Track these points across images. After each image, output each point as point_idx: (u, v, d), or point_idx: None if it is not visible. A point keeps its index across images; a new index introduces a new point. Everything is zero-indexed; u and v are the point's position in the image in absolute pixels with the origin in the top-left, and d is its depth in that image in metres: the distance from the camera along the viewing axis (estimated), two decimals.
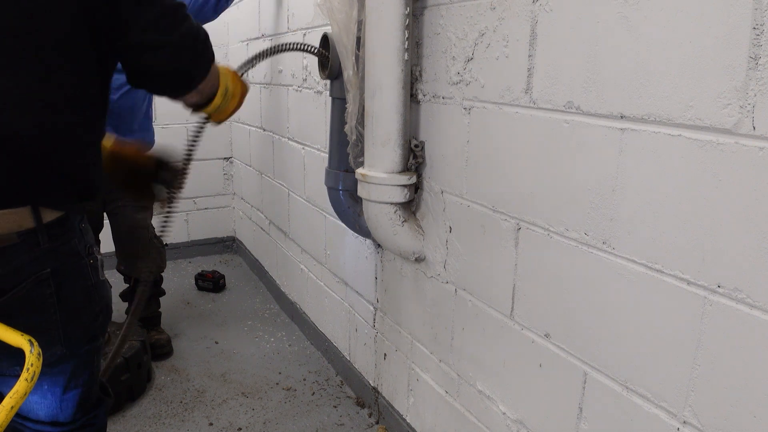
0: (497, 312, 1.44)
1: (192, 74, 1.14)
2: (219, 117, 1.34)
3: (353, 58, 1.68)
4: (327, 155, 2.01)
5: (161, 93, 1.21)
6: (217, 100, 1.26)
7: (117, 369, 2.19)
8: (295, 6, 2.56)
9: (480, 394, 1.55)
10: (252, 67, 1.82)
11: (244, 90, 1.37)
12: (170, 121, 3.58)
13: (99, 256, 1.15)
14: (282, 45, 1.91)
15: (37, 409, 1.16)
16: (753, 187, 0.86)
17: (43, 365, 0.97)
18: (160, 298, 2.82)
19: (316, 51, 1.94)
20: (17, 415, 1.13)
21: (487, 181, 1.42)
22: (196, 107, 1.27)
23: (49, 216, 1.01)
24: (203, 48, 1.13)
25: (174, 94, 1.19)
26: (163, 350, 2.64)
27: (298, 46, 1.91)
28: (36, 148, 0.97)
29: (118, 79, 2.50)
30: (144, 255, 2.56)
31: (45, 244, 1.01)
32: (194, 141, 1.56)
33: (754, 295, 0.88)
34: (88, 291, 1.11)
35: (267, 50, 1.88)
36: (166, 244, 2.82)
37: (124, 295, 2.75)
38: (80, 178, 1.06)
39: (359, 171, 1.68)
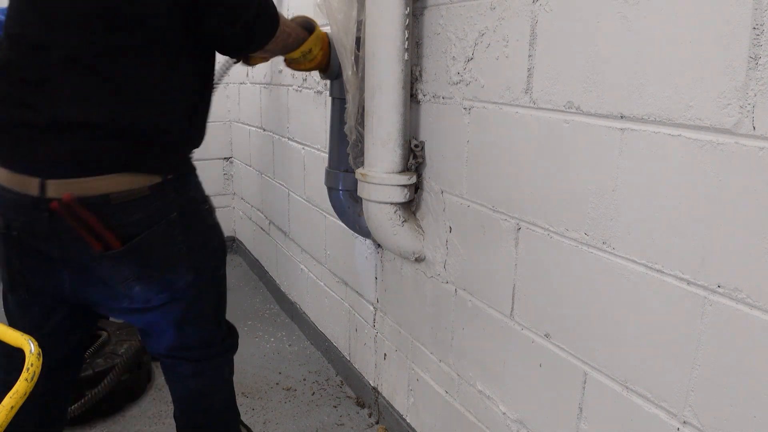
0: (497, 312, 1.44)
1: (257, 42, 1.35)
2: (294, 67, 1.70)
3: (353, 58, 1.68)
4: (327, 155, 2.01)
5: (229, 54, 1.44)
6: (295, 54, 1.60)
7: (117, 369, 2.19)
8: (295, 6, 2.56)
9: (480, 394, 1.55)
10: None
11: (325, 55, 1.70)
12: None
13: (212, 204, 1.41)
14: None
15: (190, 333, 1.39)
16: (753, 187, 0.86)
17: (180, 291, 1.31)
18: None
19: None
20: (171, 355, 1.42)
21: (487, 181, 1.42)
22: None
23: (171, 173, 1.25)
24: (268, 18, 1.33)
25: (241, 53, 1.47)
26: None
27: None
28: (156, 135, 1.21)
29: None
30: None
31: (171, 194, 1.25)
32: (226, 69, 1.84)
33: (754, 295, 0.88)
34: (207, 229, 1.37)
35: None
36: None
37: None
38: (186, 148, 1.32)
39: (359, 171, 1.68)
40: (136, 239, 1.21)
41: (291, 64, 1.67)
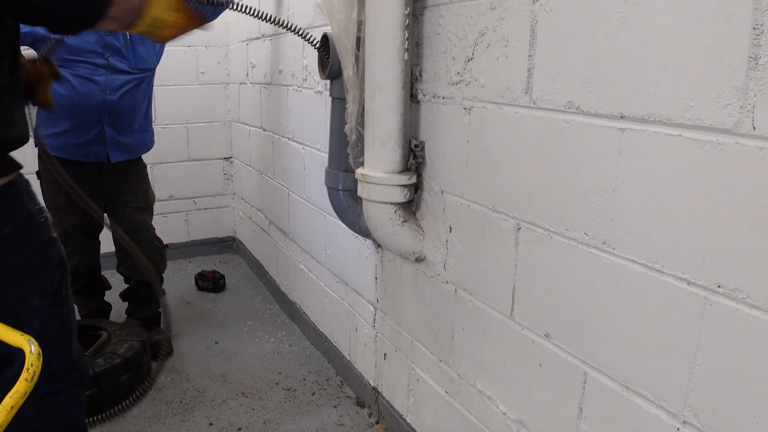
0: (497, 312, 1.44)
1: (94, 7, 1.04)
2: (156, 39, 1.23)
3: (353, 58, 1.68)
4: (327, 155, 2.01)
5: (66, 31, 1.17)
6: (140, 28, 1.16)
7: (117, 369, 2.19)
8: (295, 6, 2.56)
9: (480, 394, 1.55)
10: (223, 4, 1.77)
11: (186, 21, 1.24)
12: (170, 121, 3.58)
13: (48, 215, 1.22)
14: (282, 21, 1.92)
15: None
16: (753, 187, 0.86)
17: (25, 319, 1.09)
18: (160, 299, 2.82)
19: (314, 43, 1.94)
20: None
21: (487, 181, 1.42)
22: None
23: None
24: None
25: (81, 28, 1.10)
26: (163, 350, 2.62)
27: (297, 30, 1.92)
28: None
29: (118, 79, 2.48)
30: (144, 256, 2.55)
31: (1, 204, 1.07)
32: None
33: (754, 295, 0.88)
34: (47, 245, 1.19)
35: (263, 13, 1.90)
36: (167, 245, 2.81)
37: (124, 295, 2.75)
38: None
39: (359, 171, 1.68)
40: None
41: (151, 35, 1.22)
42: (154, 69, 2.53)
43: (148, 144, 2.62)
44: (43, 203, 1.24)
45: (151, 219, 2.66)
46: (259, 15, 1.89)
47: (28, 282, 1.13)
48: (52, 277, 1.21)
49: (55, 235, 1.22)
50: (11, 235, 1.08)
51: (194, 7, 1.34)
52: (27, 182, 1.17)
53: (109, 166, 2.46)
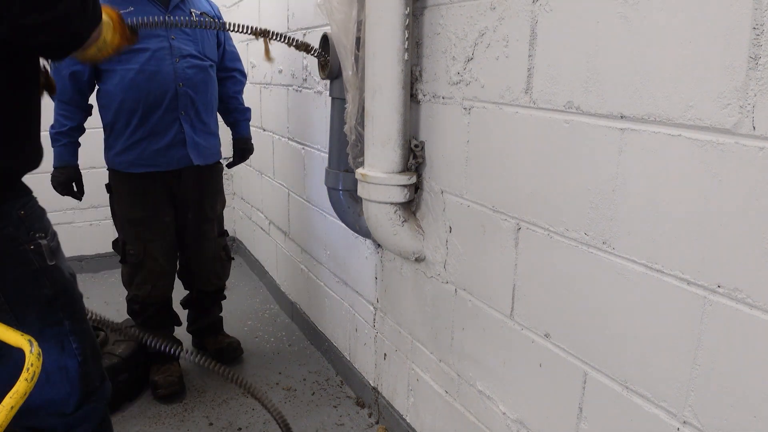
0: (497, 312, 1.44)
1: (82, 37, 1.09)
2: (92, 60, 1.26)
3: (353, 58, 1.68)
4: (327, 155, 2.01)
5: (50, 57, 1.17)
6: (91, 51, 1.20)
7: (115, 369, 2.19)
8: (295, 6, 2.56)
9: (480, 394, 1.55)
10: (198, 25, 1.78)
11: (122, 41, 1.27)
12: None
13: (44, 242, 1.13)
14: (278, 34, 1.88)
15: (35, 396, 1.13)
16: (753, 187, 0.86)
17: (9, 352, 1.00)
18: (222, 303, 2.72)
19: (315, 52, 1.93)
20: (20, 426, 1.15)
21: (487, 181, 1.42)
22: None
23: None
24: (91, 13, 1.06)
25: (63, 56, 1.12)
26: (236, 353, 2.60)
27: (294, 42, 1.89)
28: None
29: (187, 62, 2.34)
30: (209, 267, 2.50)
31: None
32: None
33: (754, 295, 0.88)
34: (34, 275, 1.11)
35: (257, 29, 1.83)
36: (233, 258, 2.71)
37: (185, 303, 2.65)
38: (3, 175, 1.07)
39: (359, 171, 1.68)
40: None
41: (87, 59, 1.26)
42: (215, 63, 2.38)
43: (219, 151, 2.48)
44: (51, 227, 1.18)
45: (219, 228, 2.52)
46: (250, 30, 1.83)
47: (11, 314, 1.07)
48: (42, 311, 1.13)
49: (51, 263, 1.14)
50: None
51: (133, 27, 1.40)
52: (23, 204, 1.12)
53: (186, 174, 2.31)
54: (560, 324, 1.25)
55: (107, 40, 1.23)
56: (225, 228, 2.60)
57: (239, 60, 2.57)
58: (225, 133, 2.59)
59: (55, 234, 1.19)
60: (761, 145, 0.85)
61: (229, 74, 2.52)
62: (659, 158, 0.99)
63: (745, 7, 0.84)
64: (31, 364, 0.85)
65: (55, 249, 1.16)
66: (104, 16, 1.21)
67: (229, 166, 2.67)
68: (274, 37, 1.87)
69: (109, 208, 2.34)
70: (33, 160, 1.13)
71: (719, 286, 0.92)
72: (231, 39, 2.53)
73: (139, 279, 2.30)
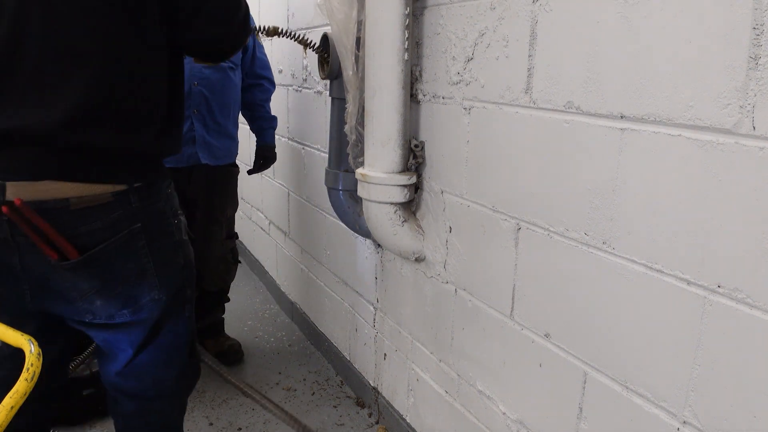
0: (497, 312, 1.44)
1: (241, 46, 1.31)
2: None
3: (353, 58, 1.68)
4: (327, 155, 2.01)
5: (211, 61, 1.46)
6: None
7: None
8: (295, 6, 2.56)
9: (480, 394, 1.55)
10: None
11: None
12: None
13: (183, 219, 1.31)
14: (286, 32, 1.90)
15: (145, 361, 1.29)
16: (753, 187, 0.86)
17: (144, 309, 1.22)
18: (225, 305, 2.72)
19: (315, 47, 1.93)
20: (118, 387, 1.34)
21: (487, 181, 1.42)
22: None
23: (137, 181, 1.18)
24: (250, 24, 1.29)
25: (220, 60, 1.46)
26: (236, 356, 2.60)
27: (299, 38, 1.90)
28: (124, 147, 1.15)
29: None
30: (213, 268, 2.49)
31: (135, 203, 1.17)
32: None
33: (754, 295, 0.88)
34: (174, 245, 1.27)
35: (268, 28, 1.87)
36: (240, 261, 2.70)
37: None
38: (158, 156, 1.25)
39: (359, 171, 1.68)
40: (95, 250, 1.13)
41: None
42: (237, 66, 2.39)
43: (233, 153, 2.47)
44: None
45: (228, 231, 2.52)
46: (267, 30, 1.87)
47: (153, 276, 1.22)
48: (175, 276, 1.28)
49: (185, 238, 1.30)
50: (141, 231, 1.18)
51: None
52: (169, 185, 1.27)
53: (197, 173, 2.31)
54: (560, 324, 1.25)
55: None
56: (235, 231, 2.59)
57: (269, 68, 2.56)
58: (245, 140, 2.56)
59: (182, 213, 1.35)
60: (761, 145, 0.85)
61: (258, 81, 2.52)
62: (659, 158, 0.99)
63: (745, 7, 0.84)
64: (31, 364, 0.85)
65: (186, 225, 1.33)
66: None
67: (250, 172, 2.67)
68: (278, 35, 1.89)
69: None
70: (176, 145, 1.27)
71: (719, 286, 0.92)
72: (263, 47, 2.54)
73: None
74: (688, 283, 0.97)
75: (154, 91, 1.18)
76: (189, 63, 2.16)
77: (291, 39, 1.91)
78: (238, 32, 1.24)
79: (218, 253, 2.48)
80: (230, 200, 2.51)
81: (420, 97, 1.64)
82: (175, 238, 1.27)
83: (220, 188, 2.43)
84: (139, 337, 1.26)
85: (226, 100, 2.33)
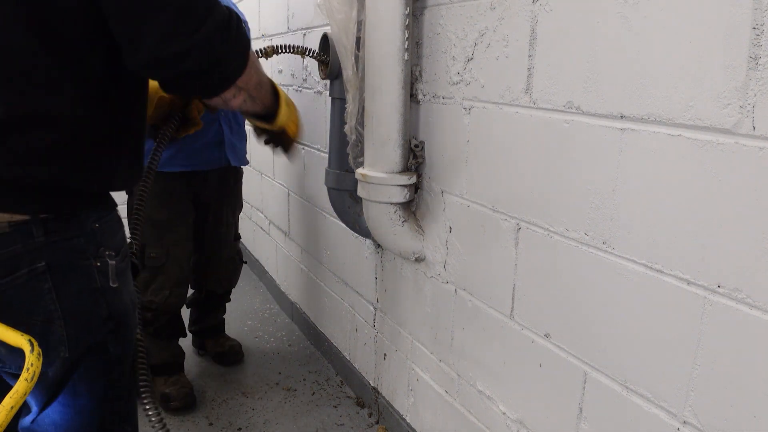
0: (497, 312, 1.44)
1: (227, 68, 1.02)
2: (293, 129, 1.28)
3: (353, 58, 1.68)
4: (327, 155, 2.01)
5: (197, 96, 1.14)
6: (283, 107, 1.22)
7: None
8: (295, 6, 2.56)
9: (480, 394, 1.55)
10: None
11: (298, 126, 1.35)
12: None
13: (113, 262, 1.06)
14: (282, 46, 1.88)
15: (50, 425, 1.07)
16: (753, 187, 0.86)
17: (53, 366, 1.00)
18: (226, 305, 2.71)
19: (313, 54, 1.91)
20: None
21: (487, 181, 1.42)
22: (261, 119, 1.23)
23: (45, 212, 0.98)
24: (236, 35, 0.98)
25: (211, 93, 1.06)
26: (237, 357, 2.59)
27: (297, 49, 1.88)
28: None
29: None
30: (223, 270, 2.49)
31: (39, 237, 0.97)
32: None
33: (754, 295, 0.88)
34: (93, 292, 1.04)
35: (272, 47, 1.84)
36: (245, 261, 2.71)
37: (189, 303, 2.61)
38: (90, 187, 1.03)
39: (359, 171, 1.68)
40: None
41: (288, 126, 1.28)
42: None
43: (246, 153, 2.48)
44: (128, 240, 1.13)
45: (235, 232, 2.52)
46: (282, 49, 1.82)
47: (60, 327, 1.02)
48: (93, 331, 1.06)
49: (115, 285, 1.07)
50: (46, 271, 0.99)
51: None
52: (101, 218, 1.06)
53: (211, 176, 2.29)
54: (560, 324, 1.25)
55: (288, 125, 1.25)
56: (239, 232, 2.60)
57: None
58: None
59: (127, 254, 1.12)
60: (761, 145, 0.85)
61: None
62: (659, 158, 0.99)
63: (745, 7, 0.84)
64: (31, 364, 0.85)
65: (122, 271, 1.09)
66: (283, 92, 1.25)
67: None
68: (276, 52, 1.87)
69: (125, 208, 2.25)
70: (113, 179, 1.06)
71: (719, 286, 0.92)
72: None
73: (156, 285, 2.21)
74: (688, 283, 0.97)
75: (69, 123, 0.96)
76: None
77: (289, 53, 1.88)
78: (212, 46, 0.94)
79: (227, 255, 2.48)
80: (239, 202, 2.53)
81: (420, 97, 1.64)
82: (95, 283, 1.04)
83: (232, 190, 2.44)
84: (42, 394, 1.05)
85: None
